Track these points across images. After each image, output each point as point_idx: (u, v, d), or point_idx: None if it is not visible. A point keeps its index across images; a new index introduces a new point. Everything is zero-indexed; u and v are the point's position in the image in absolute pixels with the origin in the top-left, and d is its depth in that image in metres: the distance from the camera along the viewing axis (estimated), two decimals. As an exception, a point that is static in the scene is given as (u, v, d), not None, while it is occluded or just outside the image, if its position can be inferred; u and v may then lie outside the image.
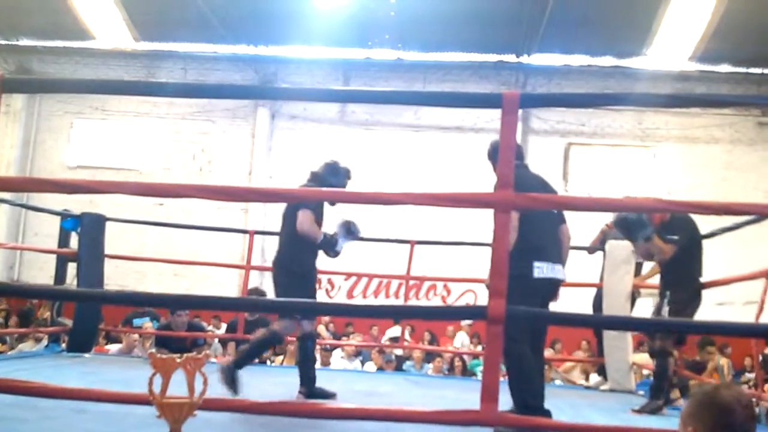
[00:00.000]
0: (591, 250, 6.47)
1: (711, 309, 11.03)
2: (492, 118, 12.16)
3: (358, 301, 12.30)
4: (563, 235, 3.99)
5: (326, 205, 4.62)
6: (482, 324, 2.90)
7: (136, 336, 7.33)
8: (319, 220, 4.52)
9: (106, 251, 6.85)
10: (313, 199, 4.34)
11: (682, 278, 4.75)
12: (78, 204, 8.32)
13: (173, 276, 12.83)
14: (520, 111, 2.94)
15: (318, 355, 8.85)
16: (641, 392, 5.79)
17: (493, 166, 3.98)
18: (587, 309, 6.40)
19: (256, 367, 6.55)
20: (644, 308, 6.61)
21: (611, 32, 12.07)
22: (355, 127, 13.45)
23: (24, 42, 13.90)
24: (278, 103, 13.51)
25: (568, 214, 4.02)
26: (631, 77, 12.74)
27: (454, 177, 12.47)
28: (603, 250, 6.22)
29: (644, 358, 6.64)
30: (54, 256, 6.96)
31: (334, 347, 8.68)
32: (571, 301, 4.04)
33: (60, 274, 6.70)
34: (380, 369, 8.55)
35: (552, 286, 3.83)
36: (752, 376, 7.87)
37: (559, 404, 4.18)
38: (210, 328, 10.50)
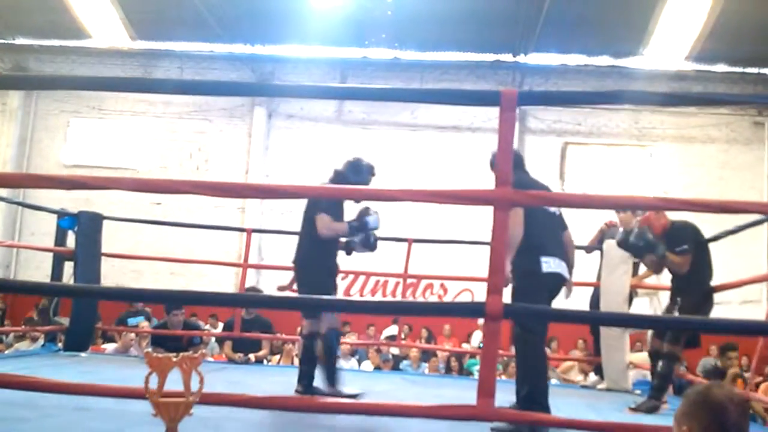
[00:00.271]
0: (589, 249, 6.47)
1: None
2: (489, 117, 12.18)
3: (355, 298, 12.29)
4: (567, 240, 4.02)
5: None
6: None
7: (132, 335, 7.32)
8: (338, 216, 4.49)
9: (103, 250, 6.84)
10: (319, 198, 4.31)
11: (692, 283, 4.75)
12: (75, 202, 8.33)
13: (170, 275, 12.82)
14: (517, 110, 2.95)
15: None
16: (638, 391, 5.80)
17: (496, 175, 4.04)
18: (585, 308, 6.40)
19: (253, 367, 6.56)
20: (641, 307, 6.63)
21: (608, 32, 12.08)
22: (352, 126, 13.45)
23: (20, 41, 13.87)
24: (275, 102, 13.50)
25: (565, 213, 4.03)
26: (628, 77, 12.76)
27: (451, 176, 12.48)
28: (601, 249, 6.23)
29: (641, 357, 6.65)
30: (50, 254, 6.95)
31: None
32: (569, 300, 4.04)
33: (56, 273, 6.69)
34: (377, 368, 8.56)
35: (559, 282, 3.86)
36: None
37: (556, 403, 4.18)
38: (207, 326, 10.51)
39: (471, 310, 3.12)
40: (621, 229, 5.54)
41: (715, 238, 5.48)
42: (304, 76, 13.33)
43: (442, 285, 12.55)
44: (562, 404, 4.52)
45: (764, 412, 5.86)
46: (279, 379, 5.50)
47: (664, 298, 6.08)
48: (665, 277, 6.07)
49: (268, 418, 3.31)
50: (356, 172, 4.59)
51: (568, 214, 4.06)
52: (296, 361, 8.49)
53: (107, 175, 12.69)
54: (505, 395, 3.52)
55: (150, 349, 6.45)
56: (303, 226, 4.61)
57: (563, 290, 3.93)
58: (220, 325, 9.58)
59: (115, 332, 8.00)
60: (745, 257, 9.88)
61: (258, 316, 7.00)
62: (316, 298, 3.96)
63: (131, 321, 7.91)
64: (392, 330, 9.75)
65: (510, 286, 3.77)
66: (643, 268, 6.28)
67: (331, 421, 3.27)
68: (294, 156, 13.35)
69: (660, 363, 4.84)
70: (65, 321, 6.64)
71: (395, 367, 8.85)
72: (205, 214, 12.24)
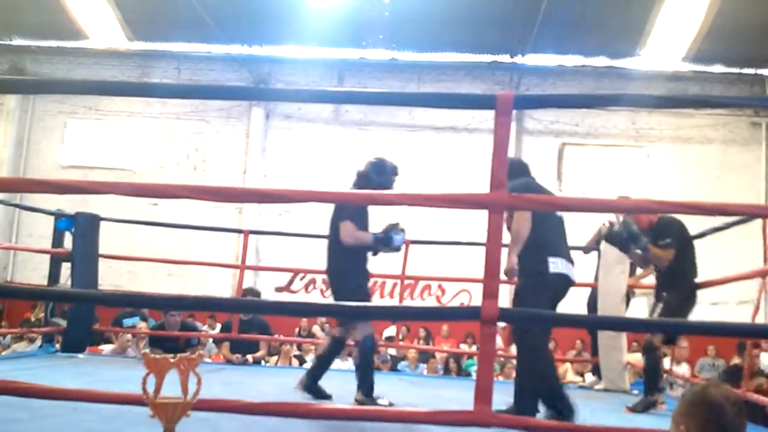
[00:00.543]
0: (586, 250, 6.47)
1: (705, 309, 11.14)
2: (486, 118, 12.18)
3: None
4: None
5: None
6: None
7: (128, 336, 7.31)
8: (362, 223, 4.42)
9: (100, 251, 6.83)
10: (346, 204, 4.30)
11: (677, 279, 4.75)
12: (72, 204, 8.32)
13: (167, 276, 12.81)
14: (515, 111, 2.95)
15: (313, 356, 8.88)
16: (635, 392, 5.80)
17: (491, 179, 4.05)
18: (582, 309, 6.41)
19: (251, 368, 6.57)
20: (639, 308, 6.64)
21: (605, 33, 12.09)
22: (350, 126, 13.46)
23: (17, 41, 13.87)
24: (273, 103, 13.49)
25: (562, 213, 4.04)
26: (625, 77, 12.79)
27: (448, 177, 12.49)
28: (598, 250, 6.23)
29: (639, 357, 6.65)
30: (48, 256, 6.94)
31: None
32: (567, 301, 4.05)
33: (54, 275, 6.68)
34: (376, 369, 8.56)
35: (565, 283, 3.85)
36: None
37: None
38: (205, 327, 10.51)
39: (466, 314, 3.13)
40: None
41: (702, 235, 5.49)
42: (301, 77, 13.34)
43: (440, 286, 12.55)
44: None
45: None
46: (276, 380, 5.50)
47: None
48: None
49: (267, 418, 3.31)
50: (380, 172, 4.53)
51: (566, 215, 4.07)
52: (294, 362, 8.52)
53: (104, 176, 12.74)
54: (503, 396, 3.52)
55: (147, 350, 6.45)
56: (331, 233, 4.53)
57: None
58: (219, 325, 9.57)
59: (112, 333, 7.99)
60: (740, 257, 9.90)
61: (255, 317, 6.99)
62: (311, 304, 3.94)
63: (127, 322, 7.90)
64: (391, 331, 9.75)
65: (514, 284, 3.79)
66: (639, 269, 6.30)
67: (330, 422, 3.27)
68: (291, 156, 13.36)
69: (644, 359, 4.83)
70: (63, 322, 6.63)
71: (393, 368, 8.86)
72: (202, 214, 12.23)
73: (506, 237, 3.15)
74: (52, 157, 13.83)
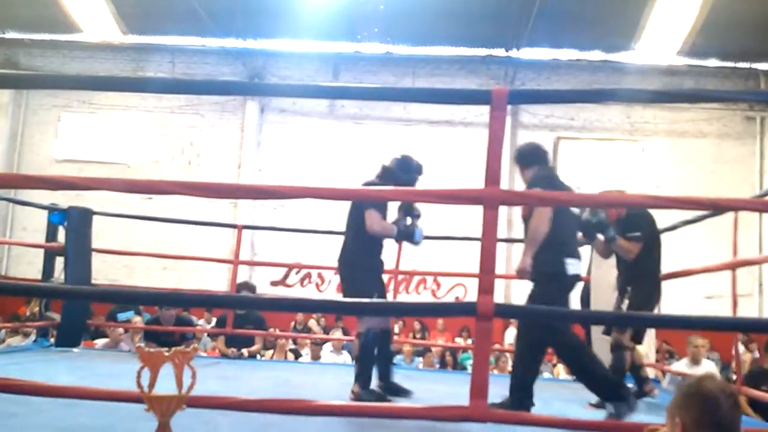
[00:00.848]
0: (579, 244, 6.46)
1: (699, 302, 11.21)
2: (482, 112, 12.19)
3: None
4: None
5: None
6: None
7: (121, 330, 7.30)
8: (385, 215, 4.41)
9: (95, 245, 6.81)
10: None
11: (643, 274, 4.65)
12: (66, 197, 8.27)
13: (162, 270, 12.80)
14: (509, 106, 2.95)
15: (309, 350, 8.90)
16: (630, 384, 5.81)
17: (522, 170, 4.05)
18: (575, 303, 6.41)
19: (246, 362, 6.57)
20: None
21: (600, 27, 12.10)
22: (345, 120, 13.45)
23: (11, 35, 13.82)
24: (267, 97, 13.49)
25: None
26: (620, 71, 12.80)
27: (444, 171, 12.48)
28: (591, 244, 6.22)
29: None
30: (43, 250, 6.92)
31: (324, 341, 8.69)
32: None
33: (48, 269, 6.66)
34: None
35: (576, 282, 3.89)
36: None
37: (546, 397, 4.21)
38: (201, 321, 10.51)
39: (462, 310, 3.12)
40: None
41: (673, 227, 5.51)
42: (296, 71, 13.32)
43: (435, 280, 12.57)
44: (553, 399, 4.55)
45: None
46: (272, 374, 5.51)
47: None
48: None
49: (261, 413, 3.31)
50: (404, 169, 4.51)
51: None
52: (290, 356, 8.53)
53: (98, 170, 12.72)
54: (499, 390, 3.53)
55: (142, 344, 6.44)
56: (348, 225, 4.51)
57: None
58: (215, 319, 9.57)
59: (106, 327, 7.99)
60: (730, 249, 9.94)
61: (251, 312, 6.98)
62: (304, 300, 3.94)
63: (121, 316, 7.89)
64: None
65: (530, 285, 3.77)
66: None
67: (322, 418, 3.28)
68: (286, 151, 13.34)
69: (612, 357, 4.73)
70: (57, 317, 6.62)
71: (388, 362, 8.85)
72: (197, 208, 12.21)
73: (502, 233, 3.14)
74: (46, 151, 13.79)
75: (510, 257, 12.30)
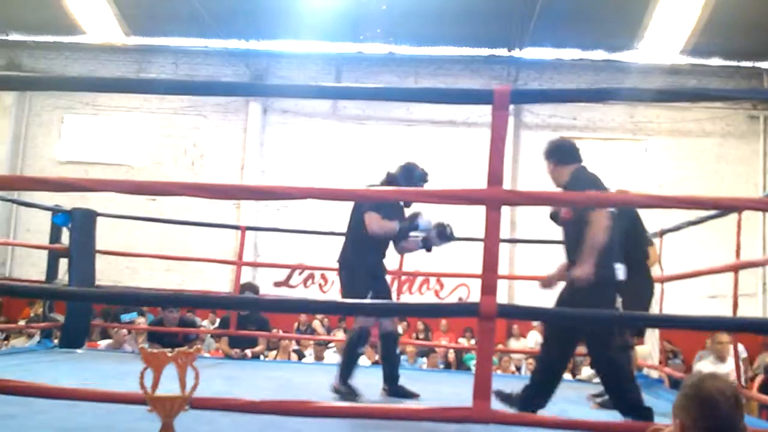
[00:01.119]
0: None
1: (703, 302, 11.18)
2: (485, 112, 12.10)
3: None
4: None
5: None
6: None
7: (124, 331, 7.31)
8: (389, 217, 4.39)
9: (99, 247, 6.83)
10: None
11: (632, 271, 4.59)
12: (70, 199, 8.28)
13: (165, 271, 12.82)
14: (512, 105, 2.94)
15: (312, 351, 8.89)
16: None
17: (552, 166, 3.91)
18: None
19: (249, 363, 6.57)
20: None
21: (602, 26, 12.08)
22: (347, 121, 13.44)
23: (14, 37, 13.84)
24: (270, 98, 13.47)
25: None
26: (623, 71, 12.77)
27: (447, 171, 12.47)
28: None
29: (637, 352, 6.65)
30: (46, 251, 6.92)
31: (327, 342, 8.69)
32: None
33: (52, 270, 6.67)
34: (375, 363, 8.57)
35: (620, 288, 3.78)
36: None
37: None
38: (205, 322, 10.52)
39: (465, 310, 3.13)
40: None
41: (677, 228, 5.50)
42: (298, 72, 13.32)
43: (438, 280, 12.56)
44: (557, 398, 4.53)
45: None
46: (275, 375, 5.51)
47: (658, 291, 6.10)
48: (656, 271, 6.10)
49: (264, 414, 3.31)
50: (408, 177, 4.49)
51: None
52: (293, 357, 8.53)
53: (102, 171, 12.74)
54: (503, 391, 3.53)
55: (146, 345, 6.44)
56: (349, 226, 4.53)
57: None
58: (219, 320, 9.58)
59: (110, 328, 8.00)
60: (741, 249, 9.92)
61: (254, 312, 6.99)
62: (306, 301, 3.93)
63: (124, 317, 7.90)
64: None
65: (568, 288, 3.67)
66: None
67: (329, 420, 3.28)
68: (289, 151, 13.34)
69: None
70: (61, 318, 6.63)
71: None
72: (200, 210, 12.23)
73: (505, 233, 3.12)
74: (49, 152, 13.81)
75: (513, 258, 12.30)
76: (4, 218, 13.52)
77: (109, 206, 8.37)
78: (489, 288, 2.78)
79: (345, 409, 3.07)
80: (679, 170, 12.74)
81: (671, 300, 5.73)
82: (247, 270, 11.98)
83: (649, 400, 4.74)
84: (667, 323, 4.34)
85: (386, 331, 4.50)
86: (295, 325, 11.10)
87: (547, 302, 3.88)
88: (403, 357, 9.28)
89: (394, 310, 4.19)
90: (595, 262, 3.50)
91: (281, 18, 12.33)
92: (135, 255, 10.47)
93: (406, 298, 11.16)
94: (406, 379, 4.60)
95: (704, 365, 6.62)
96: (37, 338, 7.30)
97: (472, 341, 10.66)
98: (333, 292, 12.34)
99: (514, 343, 11.39)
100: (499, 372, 8.36)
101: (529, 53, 12.93)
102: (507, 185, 3.28)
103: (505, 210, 2.76)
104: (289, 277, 12.87)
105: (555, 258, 4.00)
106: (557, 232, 3.91)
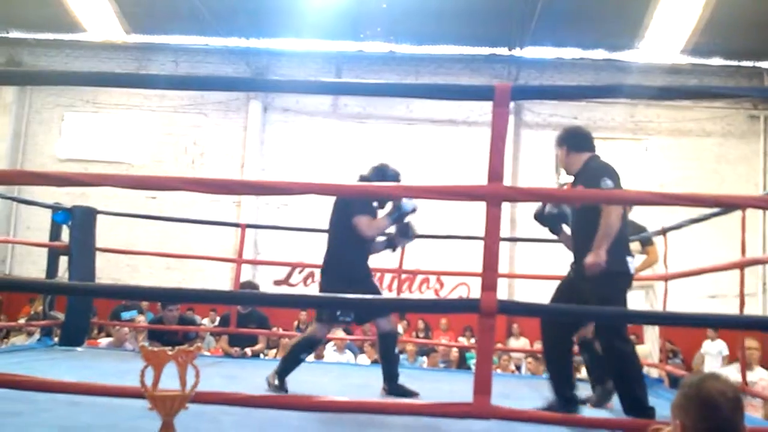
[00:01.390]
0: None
1: (703, 301, 11.18)
2: (485, 111, 12.17)
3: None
4: None
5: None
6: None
7: (125, 329, 7.31)
8: (374, 215, 4.41)
9: (99, 244, 6.82)
10: (350, 201, 4.28)
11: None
12: (70, 196, 8.29)
13: (166, 269, 12.81)
14: (513, 104, 2.94)
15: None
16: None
17: (564, 152, 3.91)
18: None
19: (249, 361, 6.57)
20: (637, 301, 6.63)
21: (603, 25, 12.08)
22: (348, 120, 13.44)
23: (14, 34, 13.84)
24: (270, 96, 13.48)
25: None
26: (623, 70, 12.77)
27: (447, 170, 12.50)
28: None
29: (638, 350, 6.63)
30: (46, 249, 6.92)
31: (326, 340, 8.68)
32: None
33: (52, 268, 6.67)
34: (374, 362, 8.57)
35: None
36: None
37: (548, 395, 4.18)
38: (206, 320, 10.52)
39: (465, 306, 3.12)
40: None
41: (678, 227, 5.49)
42: (299, 70, 13.32)
43: (438, 279, 12.57)
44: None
45: None
46: (275, 373, 5.49)
47: (659, 290, 6.10)
48: (660, 269, 6.10)
49: (264, 411, 3.31)
50: (381, 178, 4.46)
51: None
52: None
53: (102, 169, 12.71)
54: (502, 389, 3.53)
55: (146, 343, 6.44)
56: (330, 231, 4.52)
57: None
58: (219, 318, 9.57)
59: (110, 326, 8.00)
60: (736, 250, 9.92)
61: (254, 311, 6.99)
62: (307, 296, 3.92)
63: (125, 315, 7.89)
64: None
65: (582, 281, 3.66)
66: (637, 262, 6.28)
67: (329, 415, 3.28)
68: (290, 150, 13.34)
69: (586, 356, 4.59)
70: (61, 316, 6.63)
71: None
72: (200, 208, 12.24)
73: (505, 232, 3.11)
74: (49, 150, 13.81)
75: (513, 255, 12.30)
76: (4, 216, 13.52)
77: (109, 204, 8.37)
78: (489, 284, 2.77)
79: (345, 404, 3.06)
80: (680, 170, 12.74)
81: (671, 299, 5.72)
82: (247, 268, 11.98)
83: (650, 400, 4.76)
84: (670, 320, 4.32)
85: (384, 330, 4.49)
86: (295, 323, 11.09)
87: (548, 299, 3.89)
88: (403, 356, 9.29)
89: (394, 306, 4.18)
90: (610, 253, 3.51)
91: (282, 16, 12.33)
92: (135, 253, 10.44)
93: (406, 297, 11.15)
94: (406, 378, 4.59)
95: (730, 371, 6.57)
96: (37, 336, 7.30)
97: (472, 340, 10.65)
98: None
99: (513, 342, 11.40)
100: (498, 371, 8.35)
101: (530, 52, 12.92)
102: (507, 184, 3.26)
103: (505, 209, 2.73)
104: (290, 275, 12.87)
105: (554, 257, 4.00)
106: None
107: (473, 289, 11.70)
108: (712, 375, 1.93)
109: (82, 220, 6.57)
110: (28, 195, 10.02)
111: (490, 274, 2.78)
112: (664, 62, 12.73)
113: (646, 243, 6.18)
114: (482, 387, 2.73)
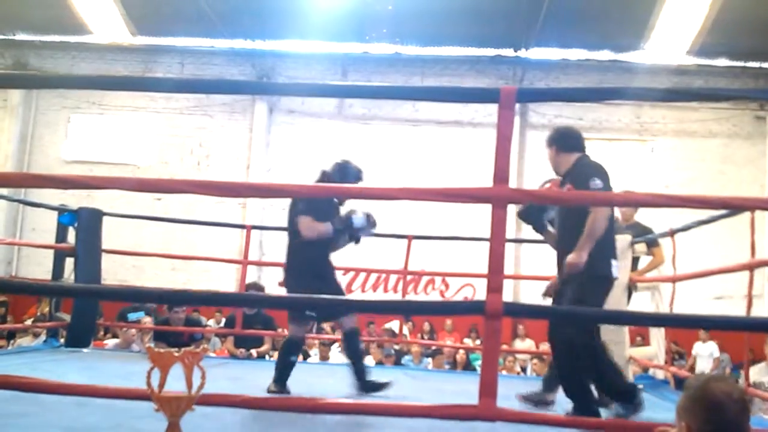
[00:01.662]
0: None
1: (709, 303, 11.15)
2: (490, 112, 12.16)
3: (356, 295, 12.29)
4: None
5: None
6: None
7: (133, 330, 7.33)
8: (323, 218, 4.39)
9: (105, 246, 6.84)
10: (308, 196, 4.26)
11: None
12: (76, 198, 8.32)
13: (171, 270, 12.83)
14: (518, 105, 2.94)
15: (318, 350, 8.90)
16: (640, 385, 5.78)
17: (553, 152, 3.92)
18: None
19: (255, 362, 6.58)
20: (642, 302, 6.62)
21: (609, 26, 12.06)
22: (353, 121, 13.45)
23: (21, 36, 13.87)
24: (276, 98, 13.49)
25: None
26: (629, 71, 12.74)
27: (452, 171, 12.49)
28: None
29: (642, 351, 6.64)
30: (52, 251, 6.94)
31: (332, 341, 8.69)
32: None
33: (58, 270, 6.69)
34: (379, 363, 8.57)
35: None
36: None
37: (556, 397, 4.19)
38: (211, 321, 10.53)
39: (471, 308, 3.12)
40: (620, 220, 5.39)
41: (684, 228, 5.48)
42: (304, 72, 13.32)
43: (443, 280, 12.56)
44: (562, 398, 4.52)
45: None
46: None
47: (665, 291, 6.09)
48: (666, 270, 6.08)
49: (270, 412, 3.31)
50: (342, 175, 4.48)
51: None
52: (299, 356, 8.51)
53: (108, 171, 12.75)
54: (508, 391, 3.52)
55: (152, 345, 6.45)
56: (289, 229, 4.55)
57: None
58: (224, 320, 9.59)
59: (117, 328, 8.01)
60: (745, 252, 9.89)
61: (260, 312, 7.00)
62: (314, 298, 3.91)
63: (132, 316, 7.91)
64: (393, 325, 9.75)
65: (566, 282, 3.67)
66: (643, 263, 6.28)
67: (332, 417, 3.28)
68: (295, 151, 13.35)
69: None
70: (67, 317, 6.65)
71: (397, 363, 8.86)
72: (206, 209, 12.24)
73: (510, 233, 3.12)
74: (55, 152, 13.84)
75: (519, 257, 12.28)
76: (11, 218, 13.56)
77: (115, 205, 8.39)
78: (495, 286, 2.77)
79: (350, 406, 3.07)
80: (686, 171, 12.71)
81: (677, 301, 5.70)
82: (253, 269, 11.99)
83: (655, 401, 4.77)
84: (674, 322, 4.31)
85: (347, 328, 4.49)
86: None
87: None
88: (408, 357, 9.29)
89: (400, 308, 4.18)
90: (593, 255, 3.51)
91: (287, 18, 12.34)
92: (141, 254, 10.48)
93: (412, 298, 11.15)
94: (411, 380, 4.60)
95: (757, 371, 6.55)
96: (43, 337, 7.32)
97: (478, 341, 10.64)
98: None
99: (519, 344, 11.38)
100: (504, 372, 8.34)
101: (535, 53, 12.91)
102: (513, 186, 3.26)
103: (511, 209, 2.75)
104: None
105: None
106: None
107: (479, 290, 11.69)
108: (718, 376, 1.93)
109: (88, 221, 6.59)
110: (34, 197, 10.06)
111: (495, 276, 2.78)
112: (669, 63, 12.70)
113: (652, 244, 6.17)
114: (488, 389, 2.73)
